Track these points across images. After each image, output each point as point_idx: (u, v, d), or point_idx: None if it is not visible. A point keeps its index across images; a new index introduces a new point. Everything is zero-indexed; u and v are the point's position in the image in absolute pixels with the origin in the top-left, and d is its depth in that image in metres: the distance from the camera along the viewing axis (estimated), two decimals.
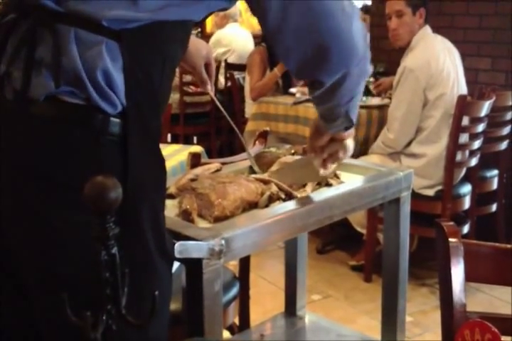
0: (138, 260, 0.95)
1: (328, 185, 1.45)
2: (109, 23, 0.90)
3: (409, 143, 2.85)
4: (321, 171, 1.38)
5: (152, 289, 0.81)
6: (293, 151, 1.61)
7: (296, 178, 1.43)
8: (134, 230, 0.94)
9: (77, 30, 0.89)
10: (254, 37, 5.19)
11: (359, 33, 1.05)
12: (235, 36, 5.01)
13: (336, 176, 1.48)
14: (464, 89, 2.88)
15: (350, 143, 1.33)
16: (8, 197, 0.94)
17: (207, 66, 1.45)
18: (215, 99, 1.55)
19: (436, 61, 2.77)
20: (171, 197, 1.34)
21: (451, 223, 1.09)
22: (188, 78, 4.30)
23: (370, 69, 1.16)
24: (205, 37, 5.09)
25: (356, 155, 2.99)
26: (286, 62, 1.10)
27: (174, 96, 4.22)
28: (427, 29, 2.89)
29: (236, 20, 5.12)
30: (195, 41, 1.43)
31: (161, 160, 1.00)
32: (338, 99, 1.15)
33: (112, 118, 0.92)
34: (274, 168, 1.48)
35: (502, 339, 0.77)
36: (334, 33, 1.01)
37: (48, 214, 0.90)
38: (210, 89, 1.47)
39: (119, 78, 0.91)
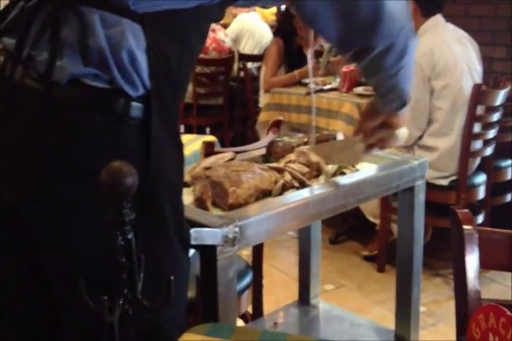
0: (160, 245, 0.96)
1: (343, 173, 1.45)
2: (134, 7, 0.91)
3: (421, 136, 2.83)
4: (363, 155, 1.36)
5: (172, 273, 0.82)
6: (306, 140, 1.61)
7: (334, 160, 1.43)
8: (156, 215, 0.95)
9: (101, 12, 0.90)
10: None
11: (400, 2, 1.06)
12: (255, 24, 5.01)
13: (352, 165, 1.48)
14: (477, 81, 2.83)
15: (401, 133, 1.29)
16: (28, 183, 0.94)
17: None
18: (309, 63, 1.59)
19: (441, 49, 2.73)
20: (186, 185, 1.34)
21: (466, 210, 1.08)
22: (201, 69, 4.31)
23: (416, 41, 1.14)
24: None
25: None
26: (328, 36, 1.10)
27: (188, 87, 4.22)
28: (437, 19, 2.84)
29: (255, 10, 5.13)
30: None
31: (179, 146, 1.01)
32: (385, 68, 1.13)
33: (134, 103, 0.92)
34: (292, 154, 1.48)
35: None
36: (377, 5, 1.02)
37: (70, 197, 0.91)
38: (310, 52, 1.48)
39: (142, 59, 0.92)
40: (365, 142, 1.32)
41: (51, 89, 0.91)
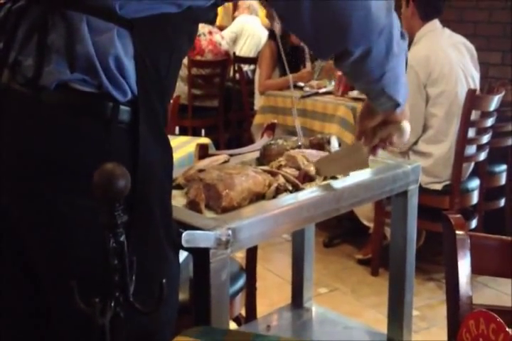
0: (149, 248, 0.96)
1: (334, 177, 1.45)
2: (122, 12, 0.91)
3: (415, 142, 2.83)
4: (370, 158, 1.31)
5: (162, 277, 0.82)
6: (300, 143, 1.61)
7: (341, 169, 1.40)
8: (144, 218, 0.95)
9: (89, 17, 0.90)
10: None
11: (379, 4, 1.01)
12: (254, 26, 5.03)
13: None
14: (473, 87, 2.82)
15: (406, 126, 1.24)
16: (18, 187, 0.94)
17: None
18: (278, 39, 1.55)
19: (436, 56, 2.72)
20: (179, 187, 1.34)
21: (459, 215, 1.09)
22: (197, 71, 4.31)
23: (405, 46, 1.11)
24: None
25: None
26: (305, 41, 1.09)
27: (184, 88, 4.23)
28: (434, 24, 2.84)
29: (257, 15, 5.17)
30: None
31: (168, 148, 1.01)
32: (367, 75, 1.11)
33: (122, 107, 0.92)
34: (281, 159, 1.48)
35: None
36: (350, 5, 0.98)
37: (58, 201, 0.91)
38: (276, 26, 1.48)
39: (129, 65, 0.92)
40: (367, 144, 1.30)
41: (39, 93, 0.91)
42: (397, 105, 1.20)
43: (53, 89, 0.90)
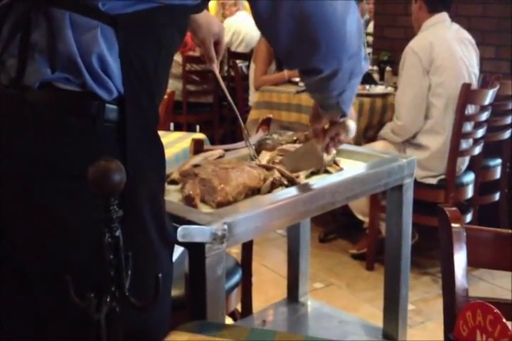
0: (138, 245, 0.95)
1: (327, 172, 1.45)
2: (105, 8, 0.89)
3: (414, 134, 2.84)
4: (325, 156, 1.39)
5: (153, 273, 0.81)
6: (295, 138, 1.61)
7: (298, 166, 1.42)
8: (133, 216, 0.93)
9: (72, 14, 0.89)
10: None
11: (353, 29, 1.05)
12: (245, 24, 5.01)
13: (335, 163, 1.48)
14: (474, 84, 2.82)
15: (351, 124, 1.33)
16: (7, 186, 0.93)
17: (216, 44, 1.45)
18: (219, 77, 1.54)
19: (440, 46, 2.74)
20: (174, 182, 1.34)
21: (454, 208, 1.09)
22: (191, 67, 4.30)
23: (366, 67, 1.18)
24: None
25: (358, 143, 2.99)
26: (277, 50, 1.10)
27: (178, 85, 4.21)
28: (442, 16, 2.85)
29: (245, 8, 5.14)
30: (208, 17, 1.42)
31: (159, 147, 1.00)
32: (328, 91, 1.17)
33: (108, 105, 0.91)
34: (274, 155, 1.48)
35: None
36: (325, 26, 1.01)
37: (47, 202, 0.90)
38: (215, 67, 1.47)
39: (114, 64, 0.90)
40: (320, 144, 1.36)
41: (23, 93, 0.90)
42: (344, 115, 1.28)
43: (37, 88, 0.89)
